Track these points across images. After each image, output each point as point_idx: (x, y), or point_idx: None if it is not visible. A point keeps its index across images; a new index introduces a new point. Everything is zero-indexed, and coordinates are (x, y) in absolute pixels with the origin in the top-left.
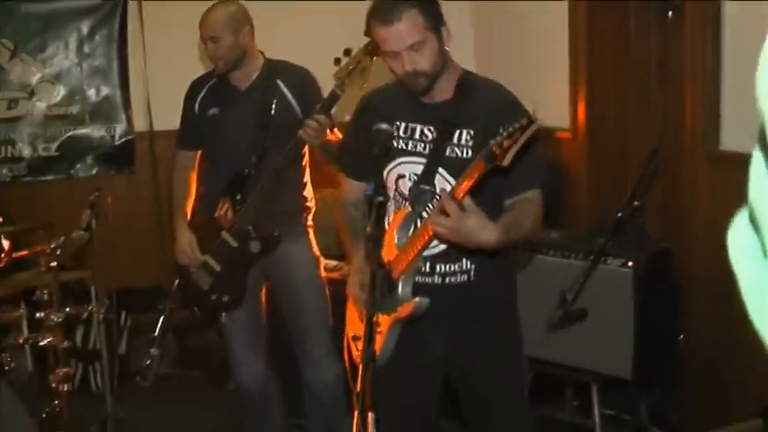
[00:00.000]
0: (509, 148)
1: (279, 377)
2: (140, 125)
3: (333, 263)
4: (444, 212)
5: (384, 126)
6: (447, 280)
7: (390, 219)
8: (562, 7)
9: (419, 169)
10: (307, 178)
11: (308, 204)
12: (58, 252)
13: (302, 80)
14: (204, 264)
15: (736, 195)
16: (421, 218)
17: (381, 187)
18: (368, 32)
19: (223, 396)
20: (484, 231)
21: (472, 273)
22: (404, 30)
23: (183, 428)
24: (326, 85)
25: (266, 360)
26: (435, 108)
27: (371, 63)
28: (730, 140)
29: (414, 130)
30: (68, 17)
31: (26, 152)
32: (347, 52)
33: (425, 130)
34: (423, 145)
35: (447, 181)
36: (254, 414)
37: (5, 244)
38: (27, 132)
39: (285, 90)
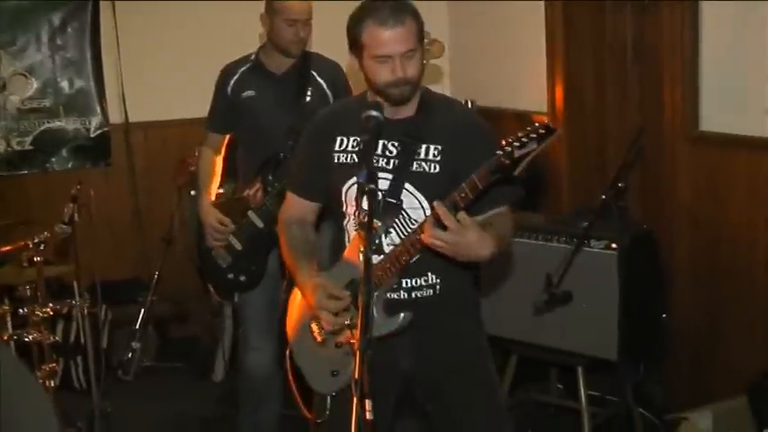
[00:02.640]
0: (522, 157)
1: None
2: (115, 117)
3: None
4: (441, 224)
5: (374, 113)
6: (414, 294)
7: (351, 236)
8: None
9: (382, 184)
10: None
11: None
12: (41, 247)
13: (334, 72)
14: (226, 242)
15: (716, 176)
16: (387, 233)
17: (372, 174)
18: (354, 33)
19: (207, 387)
20: (482, 244)
21: (438, 286)
22: (404, 35)
23: (169, 421)
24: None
25: (276, 349)
26: (398, 124)
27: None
28: (709, 121)
29: (376, 147)
30: (39, 9)
31: (0, 147)
32: None
33: (389, 146)
34: (386, 160)
35: (414, 196)
36: (252, 402)
37: None
38: (1, 127)
39: (321, 81)
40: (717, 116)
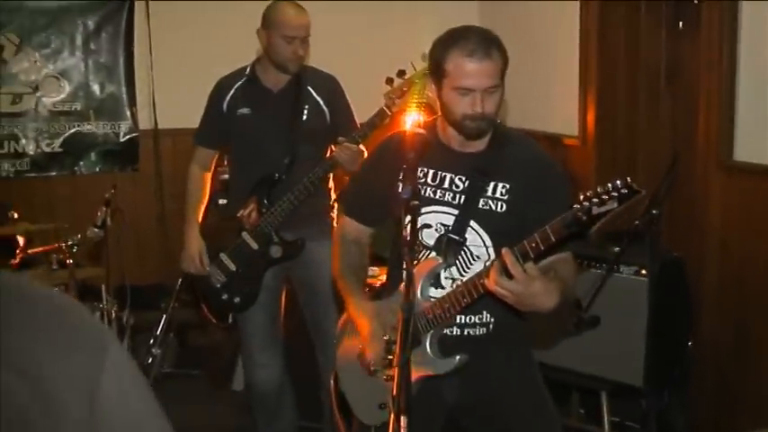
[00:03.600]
0: (600, 215)
1: (292, 380)
2: (144, 123)
3: None
4: (507, 272)
5: (421, 130)
6: (466, 332)
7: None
8: (572, 12)
9: (447, 219)
10: (331, 182)
11: (333, 204)
12: (74, 249)
13: (332, 88)
14: (219, 261)
15: (749, 206)
16: (447, 270)
17: (416, 191)
18: (437, 59)
19: (225, 396)
20: (547, 297)
21: (491, 326)
22: (491, 69)
23: (186, 429)
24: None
25: (283, 362)
26: (469, 158)
27: (425, 89)
28: (744, 151)
29: (443, 179)
30: (75, 13)
31: (30, 148)
32: (401, 73)
33: (456, 180)
34: (452, 195)
35: (478, 234)
36: (266, 416)
37: (21, 241)
38: (31, 128)
39: (317, 97)
40: (752, 145)
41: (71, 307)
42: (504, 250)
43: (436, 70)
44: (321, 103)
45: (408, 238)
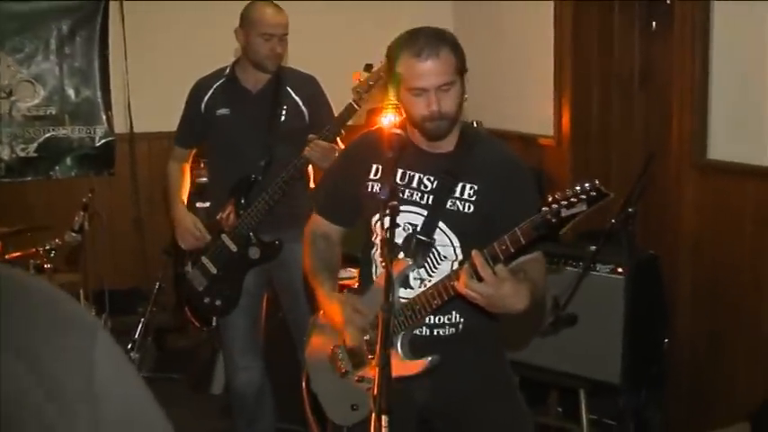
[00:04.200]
0: (569, 218)
1: (271, 382)
2: (120, 127)
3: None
4: (477, 275)
5: (398, 131)
6: (435, 332)
7: (378, 269)
8: (546, 13)
9: (415, 219)
10: (311, 182)
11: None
12: (51, 254)
13: (311, 88)
14: (201, 265)
15: (723, 204)
16: (415, 270)
17: (394, 191)
18: (391, 63)
19: (205, 400)
20: (517, 298)
21: (460, 326)
22: (440, 67)
23: None
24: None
25: (263, 365)
26: (437, 158)
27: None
28: (717, 150)
29: (412, 178)
30: (48, 17)
31: (5, 153)
32: (368, 67)
33: (425, 180)
34: (420, 195)
35: (446, 235)
36: (246, 418)
37: None
38: (6, 133)
39: (296, 97)
40: (725, 144)
41: (60, 294)
42: (473, 252)
43: (391, 74)
44: (300, 103)
45: (388, 239)
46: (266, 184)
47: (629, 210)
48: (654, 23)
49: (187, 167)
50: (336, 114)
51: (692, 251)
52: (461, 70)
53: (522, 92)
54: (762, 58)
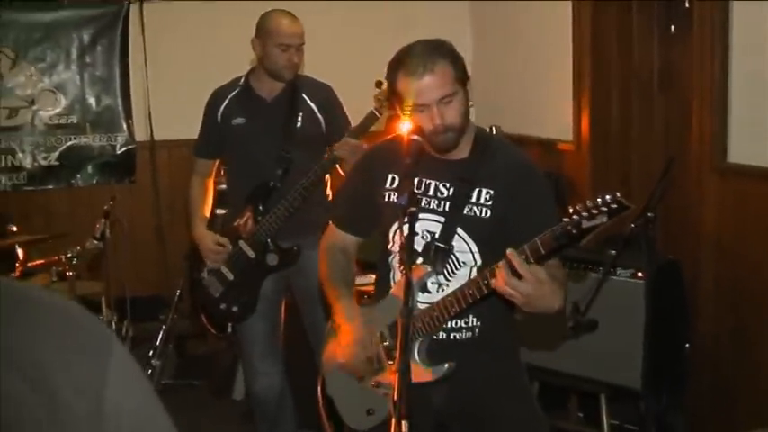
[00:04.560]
0: (590, 229)
1: (292, 387)
2: (141, 135)
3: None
4: (516, 273)
5: (416, 137)
6: (452, 336)
7: (396, 275)
8: (564, 13)
9: (433, 227)
10: (329, 190)
11: None
12: (73, 261)
13: (327, 96)
14: (217, 271)
15: (744, 207)
16: (436, 277)
17: (413, 196)
18: (392, 85)
19: (226, 405)
20: (554, 297)
21: (477, 329)
22: (436, 81)
23: None
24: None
25: (283, 369)
26: (452, 165)
27: None
28: (737, 153)
29: (428, 187)
30: (70, 26)
31: (27, 161)
32: (379, 84)
33: (440, 187)
34: (437, 202)
35: (464, 241)
36: (267, 424)
37: (20, 253)
38: (28, 142)
39: (311, 104)
40: (746, 147)
41: (74, 309)
42: (509, 251)
43: (393, 94)
44: (316, 110)
45: (407, 245)
46: (284, 190)
47: (649, 214)
48: (672, 26)
49: (210, 182)
50: (358, 123)
51: (713, 254)
52: (462, 79)
53: (540, 95)
54: None
